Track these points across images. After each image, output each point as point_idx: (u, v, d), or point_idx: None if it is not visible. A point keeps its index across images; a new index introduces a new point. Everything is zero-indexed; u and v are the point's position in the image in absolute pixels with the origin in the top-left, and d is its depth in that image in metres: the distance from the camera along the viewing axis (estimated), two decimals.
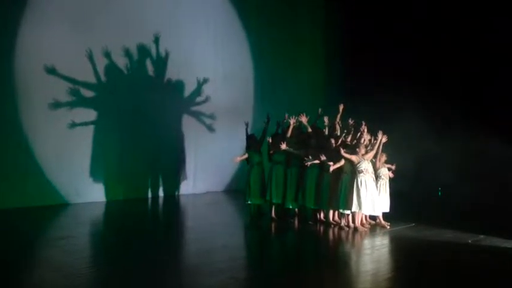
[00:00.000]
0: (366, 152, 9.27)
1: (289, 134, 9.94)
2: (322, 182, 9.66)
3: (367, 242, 8.66)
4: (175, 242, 8.66)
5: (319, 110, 10.45)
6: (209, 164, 13.45)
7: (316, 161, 9.46)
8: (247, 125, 10.44)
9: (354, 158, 9.25)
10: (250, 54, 14.18)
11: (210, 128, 13.55)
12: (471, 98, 12.73)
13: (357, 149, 9.25)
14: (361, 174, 9.19)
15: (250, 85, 14.30)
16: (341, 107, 10.03)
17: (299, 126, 10.35)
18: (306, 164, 9.37)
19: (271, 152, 10.04)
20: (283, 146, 9.48)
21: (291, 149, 9.62)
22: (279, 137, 10.01)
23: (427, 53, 13.58)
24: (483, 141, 11.38)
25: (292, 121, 9.96)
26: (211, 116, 13.50)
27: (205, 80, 13.14)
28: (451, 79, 13.02)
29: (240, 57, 13.95)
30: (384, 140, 9.41)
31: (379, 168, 9.68)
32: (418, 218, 10.24)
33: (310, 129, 9.90)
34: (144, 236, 8.78)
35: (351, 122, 9.98)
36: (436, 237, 8.94)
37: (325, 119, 9.96)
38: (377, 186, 9.61)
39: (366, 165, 9.22)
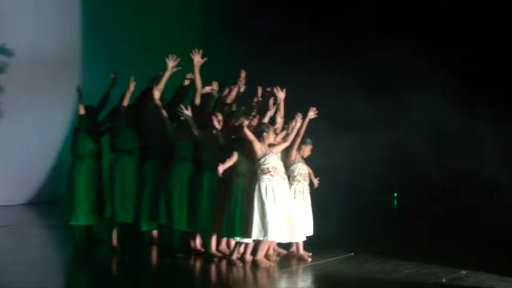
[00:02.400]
0: (275, 144, 8.84)
1: (158, 91, 9.36)
2: (200, 189, 9.11)
3: (276, 286, 8.44)
4: None
5: (190, 75, 9.82)
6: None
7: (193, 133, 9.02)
8: (80, 92, 9.77)
9: (257, 146, 8.64)
10: None
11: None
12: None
13: (264, 134, 8.71)
14: (267, 177, 8.68)
15: (75, 26, 13.76)
16: (243, 74, 9.78)
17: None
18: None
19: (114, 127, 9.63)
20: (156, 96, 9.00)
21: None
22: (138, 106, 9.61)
23: None
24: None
25: (171, 63, 9.43)
26: (2, 78, 12.74)
27: None
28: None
29: None
30: (312, 115, 9.07)
31: (294, 164, 9.23)
32: (362, 243, 10.10)
33: (199, 87, 9.51)
34: None
35: (259, 93, 9.63)
36: (388, 274, 8.72)
37: (214, 86, 9.70)
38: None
39: (274, 162, 8.72)
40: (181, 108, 9.02)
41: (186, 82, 9.82)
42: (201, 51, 9.45)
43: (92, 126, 9.77)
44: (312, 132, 9.40)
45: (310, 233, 9.32)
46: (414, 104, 12.29)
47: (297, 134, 9.05)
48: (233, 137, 8.98)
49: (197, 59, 9.45)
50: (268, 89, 9.48)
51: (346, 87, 11.99)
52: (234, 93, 9.74)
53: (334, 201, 11.77)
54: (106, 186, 9.73)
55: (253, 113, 9.35)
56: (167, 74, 9.45)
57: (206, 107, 9.54)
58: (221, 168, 8.59)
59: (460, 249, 9.99)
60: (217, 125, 8.92)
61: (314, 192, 9.52)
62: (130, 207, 9.56)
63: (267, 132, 8.73)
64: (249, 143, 8.69)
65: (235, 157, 8.75)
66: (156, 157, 9.57)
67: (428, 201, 12.76)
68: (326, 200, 10.64)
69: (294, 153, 9.23)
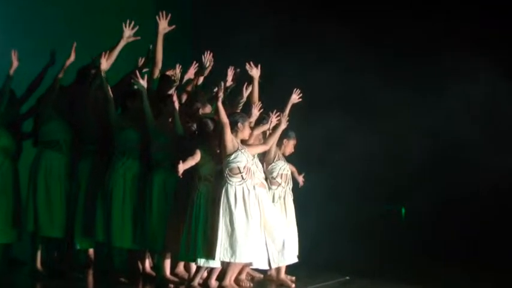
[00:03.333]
0: (250, 144, 8.12)
1: (106, 62, 8.61)
2: (149, 195, 8.37)
3: None
4: None
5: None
6: None
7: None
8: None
9: (228, 136, 7.88)
10: None
11: None
12: None
13: (239, 125, 7.97)
14: (237, 180, 7.86)
15: None
16: (209, 55, 8.91)
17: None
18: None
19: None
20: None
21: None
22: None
23: None
24: None
25: (128, 32, 8.63)
26: None
27: None
28: None
29: None
30: (296, 98, 8.37)
31: (272, 162, 8.50)
32: (360, 264, 9.52)
33: (159, 61, 8.76)
34: None
35: (229, 75, 8.88)
36: None
37: (177, 70, 9.09)
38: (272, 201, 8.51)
39: (247, 161, 7.92)
40: (135, 76, 8.21)
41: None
42: (169, 16, 8.74)
43: (11, 117, 8.89)
44: (312, 120, 8.72)
45: (295, 251, 8.51)
46: (455, 87, 10.86)
47: (273, 138, 8.35)
48: (194, 127, 8.21)
49: (163, 26, 8.70)
50: (238, 69, 8.79)
51: (360, 64, 10.49)
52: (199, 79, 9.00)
53: (330, 209, 10.71)
54: (26, 191, 8.84)
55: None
56: (121, 44, 8.67)
57: (163, 91, 8.67)
58: (181, 167, 7.62)
59: (483, 274, 9.35)
60: (176, 104, 8.07)
61: (303, 197, 8.77)
62: (58, 218, 8.73)
63: (242, 123, 7.91)
64: (219, 131, 7.85)
65: (198, 155, 7.86)
66: (92, 153, 8.71)
67: (453, 210, 11.52)
68: (320, 207, 9.92)
69: (273, 149, 8.39)
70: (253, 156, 8.00)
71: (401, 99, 10.62)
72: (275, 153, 8.39)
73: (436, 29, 10.95)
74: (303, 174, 8.79)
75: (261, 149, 8.19)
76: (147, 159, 8.44)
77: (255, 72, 8.32)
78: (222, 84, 8.54)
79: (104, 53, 8.65)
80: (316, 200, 9.90)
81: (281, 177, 8.34)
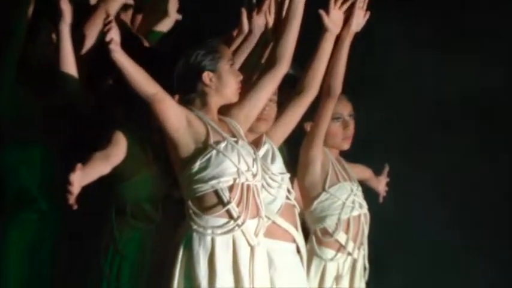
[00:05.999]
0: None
1: None
2: (3, 262, 4.53)
3: None
4: None
5: None
6: None
7: None
8: None
9: (173, 110, 3.68)
10: None
11: None
12: None
13: (205, 75, 3.63)
14: (218, 226, 3.60)
15: None
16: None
17: None
18: None
19: None
20: None
21: None
22: None
23: None
24: None
25: None
26: None
27: None
28: None
29: None
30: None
31: (325, 191, 4.13)
32: None
33: None
34: None
35: None
36: None
37: None
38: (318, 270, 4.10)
39: (236, 170, 3.56)
40: None
41: None
42: None
43: None
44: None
45: None
46: None
47: (332, 76, 3.93)
48: None
49: None
50: None
51: None
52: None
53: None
54: None
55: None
56: None
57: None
58: (76, 178, 3.32)
59: None
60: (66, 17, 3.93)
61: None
62: None
63: (213, 68, 3.51)
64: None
65: (120, 146, 3.66)
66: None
67: None
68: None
69: (319, 149, 3.95)
70: (266, 147, 3.70)
71: None
72: (324, 160, 3.89)
73: None
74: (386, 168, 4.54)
75: (296, 112, 3.81)
76: None
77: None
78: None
79: None
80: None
81: (347, 228, 3.85)
